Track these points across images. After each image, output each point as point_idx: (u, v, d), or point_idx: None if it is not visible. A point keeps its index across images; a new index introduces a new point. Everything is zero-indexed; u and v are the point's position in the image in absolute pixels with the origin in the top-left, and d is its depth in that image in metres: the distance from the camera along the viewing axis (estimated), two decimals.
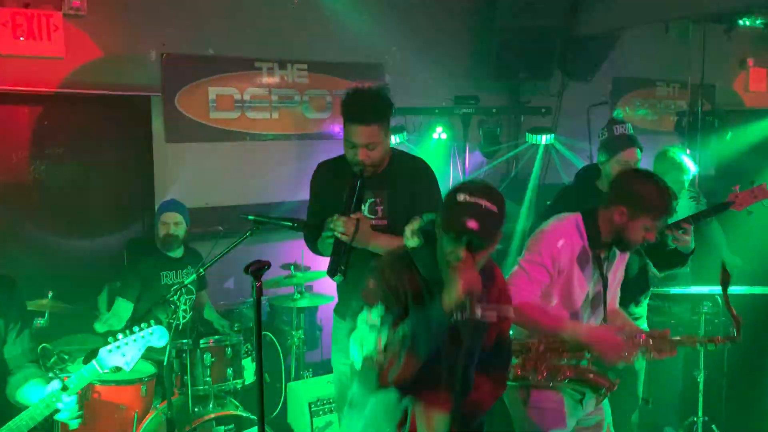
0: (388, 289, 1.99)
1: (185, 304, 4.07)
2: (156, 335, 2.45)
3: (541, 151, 5.12)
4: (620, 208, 2.62)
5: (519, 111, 5.59)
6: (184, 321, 3.77)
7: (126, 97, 4.69)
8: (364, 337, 1.94)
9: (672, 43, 6.37)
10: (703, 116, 5.49)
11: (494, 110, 5.23)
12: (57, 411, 2.34)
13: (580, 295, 2.69)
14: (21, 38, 4.28)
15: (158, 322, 2.59)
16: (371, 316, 1.94)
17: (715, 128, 5.68)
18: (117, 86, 4.63)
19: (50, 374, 3.33)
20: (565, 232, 2.68)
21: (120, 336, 2.40)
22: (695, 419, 3.82)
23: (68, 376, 2.44)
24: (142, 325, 2.44)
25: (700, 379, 3.79)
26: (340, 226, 2.72)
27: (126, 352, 2.38)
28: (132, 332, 2.43)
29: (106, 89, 4.58)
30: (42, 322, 3.47)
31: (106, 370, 2.36)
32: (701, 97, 5.65)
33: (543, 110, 5.11)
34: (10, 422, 2.30)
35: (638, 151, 3.45)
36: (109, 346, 2.38)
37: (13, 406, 2.45)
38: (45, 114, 4.57)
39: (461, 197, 1.92)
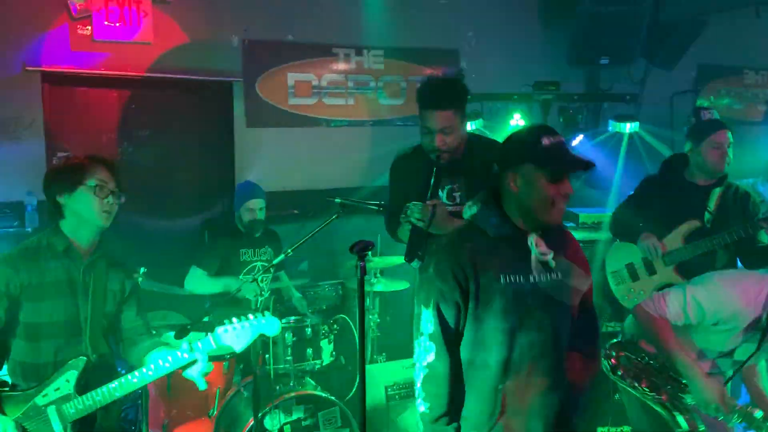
0: (446, 273, 2.01)
1: (263, 282, 4.16)
2: (269, 324, 2.57)
3: (625, 139, 4.96)
4: None
5: (602, 98, 5.42)
6: (263, 299, 3.84)
7: (209, 82, 4.81)
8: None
9: (762, 29, 6.06)
10: None
11: (576, 96, 5.10)
12: (187, 366, 2.50)
13: None
14: (113, 24, 4.44)
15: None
16: (430, 318, 2.01)
17: None
18: (201, 71, 4.75)
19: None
20: None
21: (235, 320, 2.53)
22: None
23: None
24: (257, 313, 2.57)
25: None
26: (416, 213, 2.74)
27: (240, 335, 2.51)
28: (247, 318, 2.54)
29: (191, 74, 4.71)
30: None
31: (215, 347, 2.50)
32: None
33: (627, 97, 4.95)
34: (139, 369, 2.47)
35: (729, 133, 3.35)
36: (225, 326, 2.51)
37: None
38: (133, 97, 4.74)
39: (546, 141, 1.98)
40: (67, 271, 2.48)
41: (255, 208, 4.14)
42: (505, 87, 5.30)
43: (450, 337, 1.99)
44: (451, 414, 2.00)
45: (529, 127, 2.15)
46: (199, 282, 4.00)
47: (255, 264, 4.12)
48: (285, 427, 3.42)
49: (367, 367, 3.94)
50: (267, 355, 3.50)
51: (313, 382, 3.73)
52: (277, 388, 3.49)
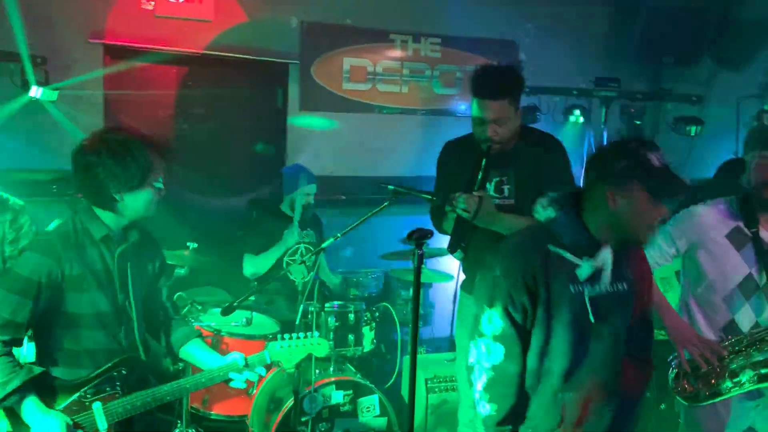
0: (516, 275, 1.95)
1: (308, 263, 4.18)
2: (320, 347, 2.67)
3: (688, 142, 4.79)
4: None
5: (667, 97, 5.24)
6: (305, 281, 3.85)
7: (266, 62, 4.82)
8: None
9: None
10: None
11: (639, 95, 4.94)
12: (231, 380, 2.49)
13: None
14: (175, 0, 4.48)
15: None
16: (494, 319, 1.97)
17: None
18: (258, 51, 4.76)
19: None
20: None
21: (287, 336, 2.61)
22: None
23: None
24: (309, 334, 2.66)
25: None
26: (462, 203, 2.66)
27: (292, 353, 2.60)
28: (298, 337, 2.62)
29: (248, 53, 4.72)
30: (183, 271, 3.65)
31: (268, 362, 2.55)
32: None
33: (693, 98, 4.77)
34: (193, 376, 2.48)
35: None
36: (280, 342, 2.59)
37: None
38: (190, 74, 4.79)
39: (655, 161, 1.88)
40: (103, 259, 2.28)
41: (311, 193, 4.20)
42: (564, 82, 5.18)
43: (519, 340, 1.95)
44: (517, 417, 1.96)
45: (634, 140, 2.00)
46: (254, 264, 4.02)
47: (298, 246, 4.13)
48: (323, 411, 3.42)
49: (406, 357, 3.92)
50: None
51: (353, 369, 3.73)
52: (318, 372, 3.49)
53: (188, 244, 3.76)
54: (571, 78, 5.24)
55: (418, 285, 1.92)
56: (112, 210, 2.26)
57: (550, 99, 5.08)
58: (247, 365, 2.46)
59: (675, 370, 2.72)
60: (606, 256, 1.97)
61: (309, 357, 2.65)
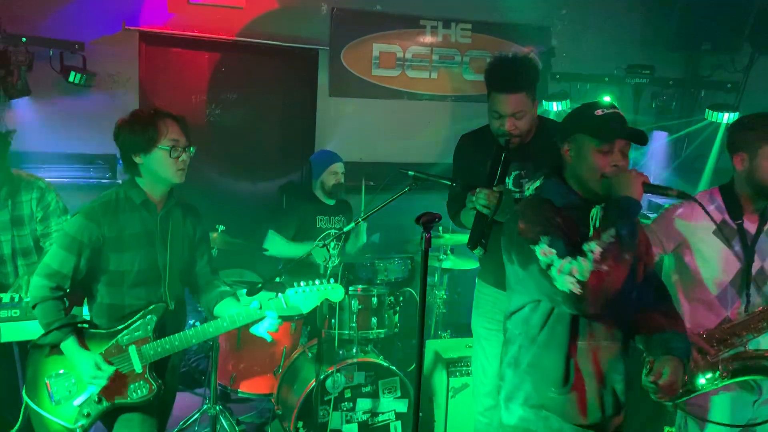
0: (545, 220, 2.05)
1: (334, 249, 4.23)
2: (334, 291, 2.76)
3: (722, 130, 4.68)
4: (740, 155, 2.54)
5: (700, 85, 5.13)
6: (333, 266, 3.91)
7: (296, 48, 4.88)
8: (567, 265, 1.94)
9: None
10: None
11: (671, 82, 4.85)
12: (257, 322, 2.68)
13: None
14: None
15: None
16: (547, 249, 1.99)
17: None
18: (289, 37, 4.82)
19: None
20: None
21: (303, 283, 2.72)
22: None
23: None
24: (323, 279, 2.73)
25: None
26: (482, 199, 2.64)
27: (307, 297, 2.71)
28: (314, 283, 2.73)
29: (279, 40, 4.79)
30: (212, 252, 3.73)
31: (286, 307, 2.69)
32: None
33: (728, 86, 4.66)
34: (215, 320, 2.65)
35: None
36: (294, 288, 2.72)
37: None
38: (222, 60, 4.88)
39: (599, 112, 2.07)
40: (144, 223, 2.59)
41: (339, 171, 4.27)
42: (598, 69, 5.11)
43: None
44: None
45: (589, 102, 2.18)
46: (276, 245, 4.11)
47: (330, 231, 4.20)
48: (345, 391, 3.49)
49: (430, 342, 3.96)
50: (333, 320, 3.57)
51: (375, 351, 3.78)
52: (341, 353, 3.56)
53: (217, 226, 3.85)
54: (605, 65, 5.16)
55: (425, 268, 1.95)
56: (138, 174, 2.58)
57: (582, 86, 5.01)
58: (261, 308, 2.64)
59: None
60: (593, 214, 2.07)
61: (327, 304, 2.87)
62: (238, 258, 4.45)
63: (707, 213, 2.21)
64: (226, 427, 3.72)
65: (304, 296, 2.69)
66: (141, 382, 2.54)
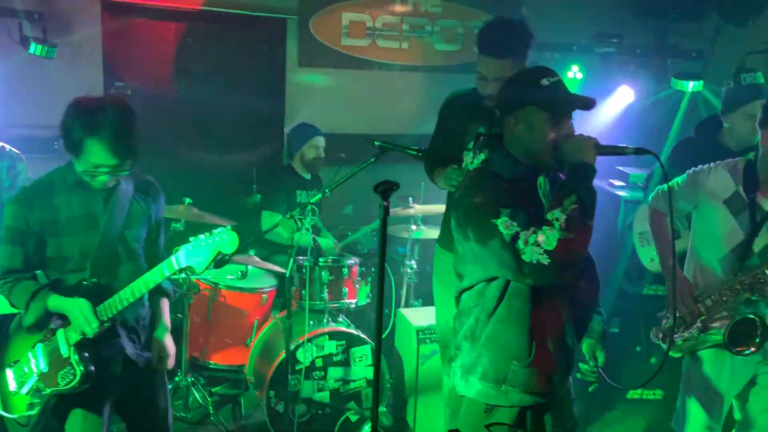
0: (500, 193, 2.04)
1: (309, 224, 4.23)
2: (226, 241, 2.32)
3: (686, 99, 4.72)
4: None
5: (667, 53, 5.15)
6: (295, 236, 3.91)
7: (264, 17, 4.80)
8: (532, 236, 1.95)
9: None
10: None
11: (638, 51, 4.86)
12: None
13: None
14: None
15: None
16: (509, 222, 1.98)
17: None
18: (256, 6, 4.75)
19: (182, 274, 3.61)
20: None
21: (191, 239, 2.37)
22: None
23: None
24: (214, 230, 2.35)
25: None
26: (454, 180, 2.61)
27: (199, 253, 2.32)
28: (203, 235, 2.36)
29: (246, 9, 4.71)
30: (179, 226, 3.73)
31: (179, 267, 2.34)
32: None
33: (694, 54, 4.69)
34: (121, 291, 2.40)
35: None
36: (184, 245, 2.35)
37: None
38: (189, 31, 4.79)
39: (545, 81, 2.04)
40: (85, 204, 2.38)
41: (320, 145, 4.31)
42: (567, 38, 5.10)
43: None
44: None
45: (527, 69, 2.17)
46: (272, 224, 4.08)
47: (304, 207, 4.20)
48: (317, 361, 3.53)
49: (401, 310, 4.00)
50: (303, 291, 3.59)
51: (347, 321, 3.82)
52: (311, 323, 3.59)
53: (183, 199, 3.82)
54: (572, 34, 5.16)
55: (383, 237, 1.96)
56: (77, 156, 2.30)
57: (551, 55, 5.01)
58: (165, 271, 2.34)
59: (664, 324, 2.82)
60: (540, 182, 2.08)
61: (220, 257, 2.32)
62: (207, 231, 4.42)
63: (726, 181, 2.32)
64: (198, 398, 3.75)
65: (195, 252, 2.30)
66: (68, 368, 2.35)
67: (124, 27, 4.59)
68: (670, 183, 2.83)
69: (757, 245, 2.58)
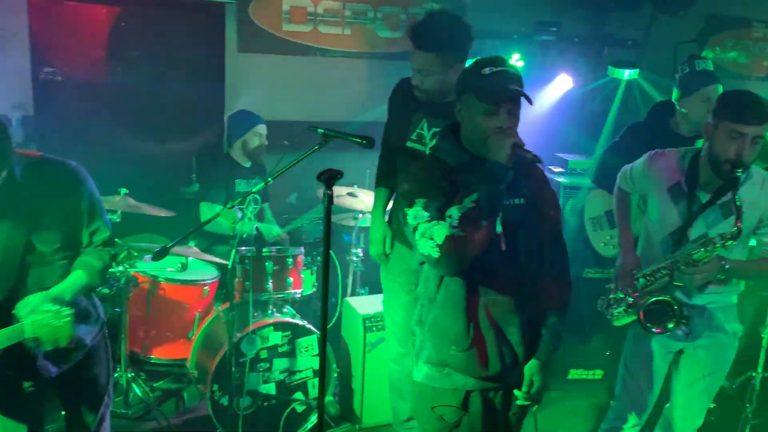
0: (426, 183, 2.06)
1: (252, 213, 4.17)
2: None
3: (622, 86, 4.85)
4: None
5: (604, 42, 5.28)
6: (248, 230, 3.85)
7: (200, 2, 4.66)
8: (429, 229, 1.98)
9: None
10: None
11: (576, 39, 4.96)
12: None
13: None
14: None
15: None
16: (419, 212, 2.01)
17: None
18: None
19: (120, 267, 3.50)
20: None
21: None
22: (753, 374, 3.72)
23: None
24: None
25: (765, 335, 3.66)
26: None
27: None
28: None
29: None
30: (115, 217, 3.60)
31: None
32: None
33: (629, 42, 4.81)
34: None
35: (719, 87, 3.26)
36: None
37: None
38: (122, 15, 4.60)
39: (486, 70, 2.02)
40: None
41: (263, 133, 4.24)
42: (508, 26, 5.15)
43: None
44: None
45: (484, 56, 2.14)
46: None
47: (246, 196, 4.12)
48: (261, 352, 3.48)
49: (347, 299, 3.98)
50: (247, 283, 3.52)
51: (292, 311, 3.77)
52: (256, 314, 3.53)
53: (120, 189, 3.69)
54: (513, 22, 5.22)
55: (328, 226, 1.94)
56: None
57: (492, 44, 5.05)
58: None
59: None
60: (491, 170, 2.03)
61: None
62: (147, 222, 4.30)
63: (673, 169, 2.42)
64: (139, 394, 3.65)
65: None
66: None
67: (54, 10, 4.37)
68: (629, 166, 2.93)
69: (693, 234, 2.68)
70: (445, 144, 2.15)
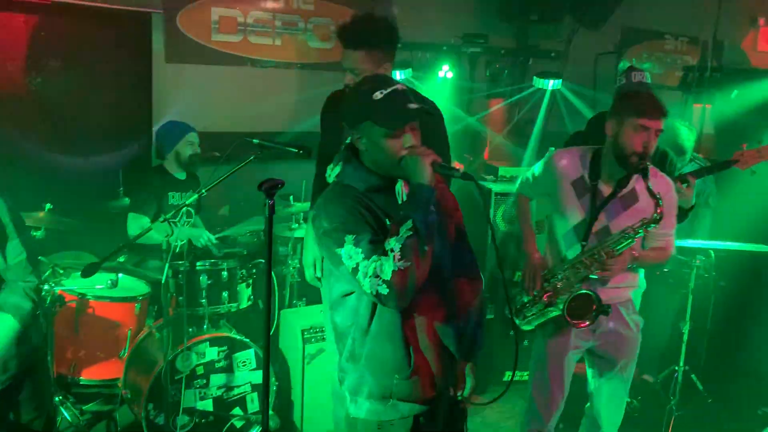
0: (346, 218, 1.96)
1: (185, 226, 4.08)
2: None
3: (547, 96, 5.04)
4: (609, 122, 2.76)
5: (528, 53, 5.48)
6: (182, 243, 3.76)
7: (126, 12, 4.54)
8: (369, 266, 1.90)
9: None
10: (711, 72, 5.43)
11: (502, 51, 5.13)
12: None
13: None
14: None
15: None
16: (352, 250, 1.92)
17: (721, 86, 5.63)
18: (118, 0, 4.47)
19: (45, 286, 3.34)
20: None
21: None
22: (676, 368, 3.92)
23: None
24: None
25: (685, 330, 3.87)
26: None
27: None
28: None
29: (105, 2, 4.43)
30: (39, 234, 3.44)
31: None
32: (711, 53, 5.57)
33: (552, 54, 5.02)
34: None
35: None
36: None
37: None
38: (42, 24, 4.42)
39: (378, 95, 1.94)
40: None
41: (195, 141, 4.15)
42: (437, 38, 5.27)
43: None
44: None
45: (364, 79, 2.09)
46: (140, 227, 3.85)
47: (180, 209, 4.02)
48: (197, 369, 3.40)
49: (285, 311, 3.95)
50: (180, 298, 3.44)
51: (228, 325, 3.71)
52: (191, 330, 3.45)
53: (44, 204, 3.54)
54: (443, 34, 5.34)
55: (270, 236, 1.93)
56: None
57: (422, 55, 5.16)
58: None
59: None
60: (398, 189, 2.03)
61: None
62: (73, 238, 4.13)
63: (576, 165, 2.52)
64: (68, 418, 3.49)
65: None
66: None
67: None
68: (529, 172, 3.06)
69: (596, 227, 2.82)
70: (350, 169, 2.06)
